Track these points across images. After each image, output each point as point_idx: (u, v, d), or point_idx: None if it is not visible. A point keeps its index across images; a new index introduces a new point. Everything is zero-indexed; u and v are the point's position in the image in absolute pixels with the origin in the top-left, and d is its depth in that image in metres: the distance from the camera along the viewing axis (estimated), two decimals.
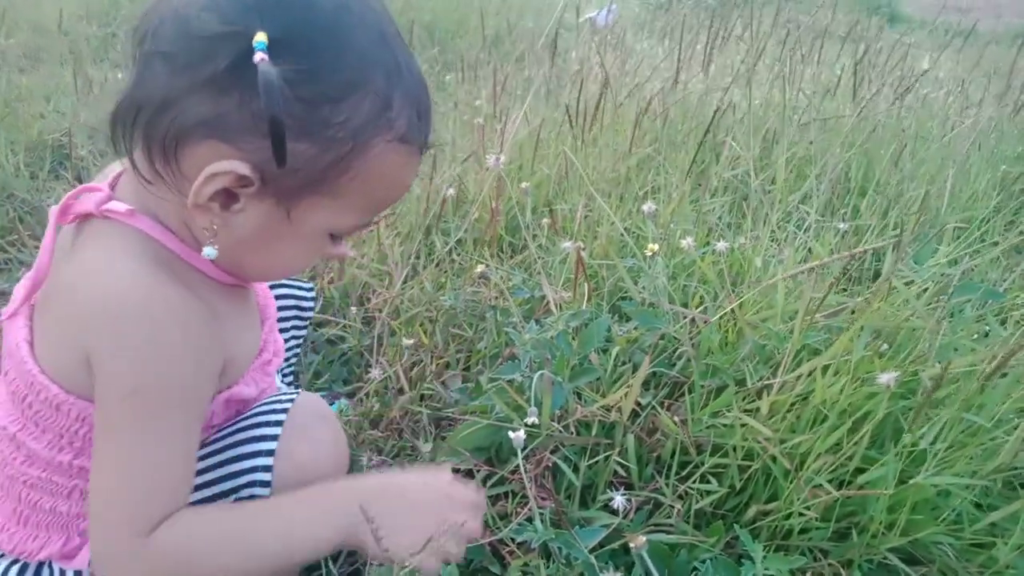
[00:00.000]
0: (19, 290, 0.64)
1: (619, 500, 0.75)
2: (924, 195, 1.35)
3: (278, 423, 0.66)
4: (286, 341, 1.00)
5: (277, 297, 0.92)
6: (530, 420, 0.87)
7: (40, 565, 0.67)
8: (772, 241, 1.26)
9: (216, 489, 0.64)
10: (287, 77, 0.49)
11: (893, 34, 5.95)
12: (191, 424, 0.59)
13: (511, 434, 0.77)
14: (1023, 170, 1.81)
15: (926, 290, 0.96)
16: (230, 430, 0.67)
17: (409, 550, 0.59)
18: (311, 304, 1.04)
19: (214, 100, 0.51)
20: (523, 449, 0.92)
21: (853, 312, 0.87)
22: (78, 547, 0.66)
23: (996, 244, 1.17)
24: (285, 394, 0.70)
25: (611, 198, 1.34)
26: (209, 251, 0.57)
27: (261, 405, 0.69)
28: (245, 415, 0.68)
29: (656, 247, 0.96)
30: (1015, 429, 0.89)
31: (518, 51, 2.20)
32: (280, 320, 0.95)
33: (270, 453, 0.64)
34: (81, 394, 0.59)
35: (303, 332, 1.06)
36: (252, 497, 0.63)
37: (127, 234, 0.58)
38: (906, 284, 0.96)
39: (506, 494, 0.95)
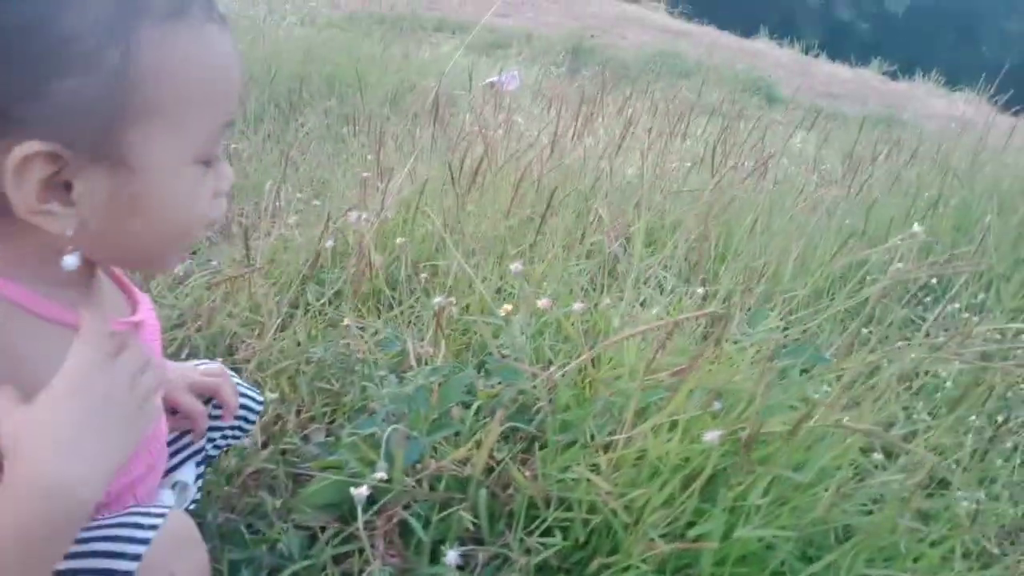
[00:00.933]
0: None
1: (451, 555, 0.76)
2: (771, 264, 1.48)
3: (137, 556, 0.55)
4: (223, 437, 0.92)
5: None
6: (378, 475, 0.88)
7: None
8: (636, 302, 1.34)
9: None
10: None
11: (772, 113, 6.53)
12: None
13: (352, 490, 0.77)
14: (865, 243, 2.01)
15: (758, 352, 1.05)
16: (85, 535, 0.57)
17: (122, 456, 0.52)
18: (259, 409, 0.95)
19: None
20: (374, 504, 0.93)
21: (683, 373, 0.94)
22: None
23: (826, 309, 1.29)
24: (154, 510, 0.60)
25: (490, 256, 1.39)
26: (70, 260, 0.52)
27: (124, 516, 0.59)
28: (107, 519, 0.59)
29: (510, 307, 1.00)
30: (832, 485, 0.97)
31: (415, 109, 2.26)
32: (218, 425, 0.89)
33: None
34: None
35: (239, 436, 0.96)
36: None
37: None
38: (741, 347, 1.05)
39: (354, 552, 0.94)
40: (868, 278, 1.92)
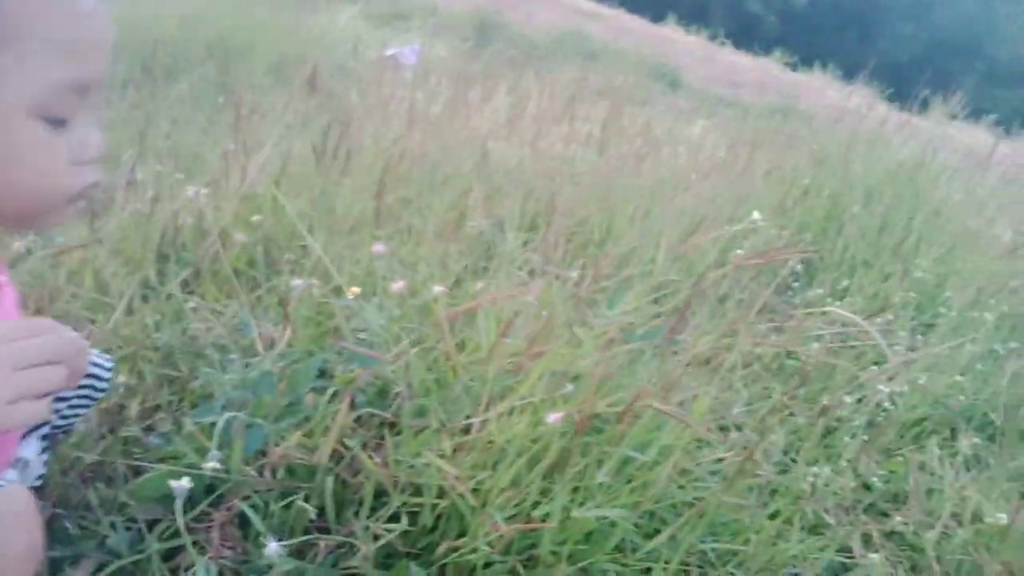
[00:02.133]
0: None
1: (273, 546, 0.75)
2: (639, 248, 1.51)
3: None
4: (70, 408, 0.87)
5: None
6: (210, 465, 0.84)
7: None
8: (508, 286, 1.35)
9: None
10: None
11: (675, 99, 6.70)
12: None
13: (172, 483, 0.73)
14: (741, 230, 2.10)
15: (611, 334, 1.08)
16: None
17: None
18: (108, 377, 0.90)
19: None
20: (213, 495, 0.89)
21: (533, 356, 0.95)
22: None
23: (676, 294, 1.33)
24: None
25: (359, 236, 1.35)
26: None
27: None
28: None
29: (358, 289, 0.98)
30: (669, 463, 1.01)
31: (299, 80, 2.17)
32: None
33: None
34: None
35: (88, 405, 0.91)
36: None
37: None
38: (595, 330, 1.07)
39: (195, 542, 0.90)
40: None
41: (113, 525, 0.90)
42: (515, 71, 3.55)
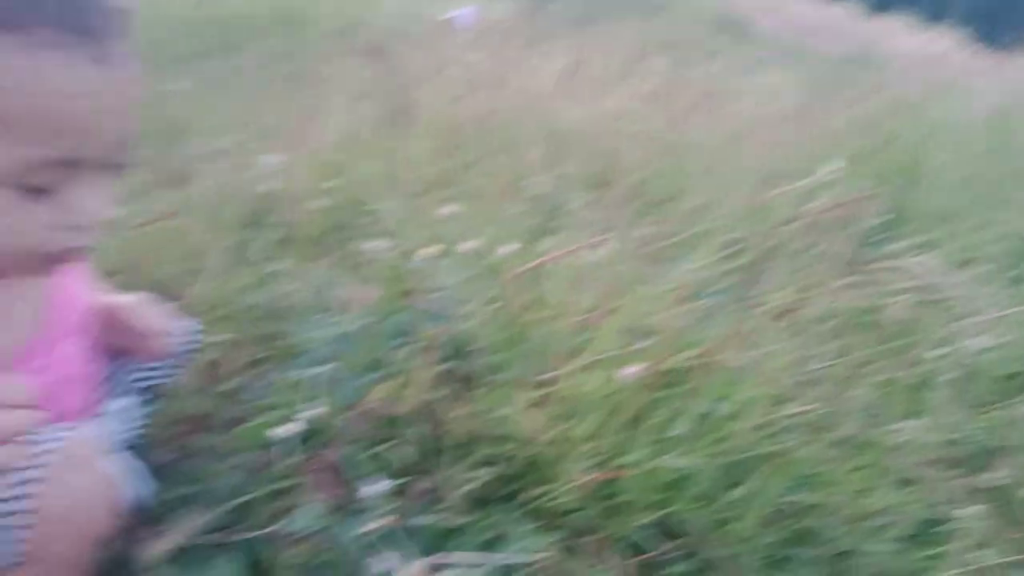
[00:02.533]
0: None
1: (383, 485, 0.79)
2: (708, 204, 1.49)
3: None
4: (164, 370, 0.93)
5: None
6: (309, 413, 0.89)
7: None
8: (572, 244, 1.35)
9: None
10: None
11: (743, 50, 6.44)
12: None
13: (279, 429, 0.78)
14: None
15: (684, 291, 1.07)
16: None
17: None
18: (196, 341, 0.96)
19: None
20: (305, 442, 0.95)
21: (609, 312, 0.95)
22: None
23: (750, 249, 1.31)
24: (54, 433, 0.63)
25: (426, 199, 1.38)
26: None
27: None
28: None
29: (433, 250, 1.01)
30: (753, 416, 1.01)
31: (361, 46, 2.20)
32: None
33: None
34: None
35: (183, 365, 0.97)
36: None
37: None
38: (667, 287, 1.07)
39: (293, 487, 0.96)
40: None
41: (221, 469, 0.97)
42: (576, 28, 3.49)
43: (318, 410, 0.90)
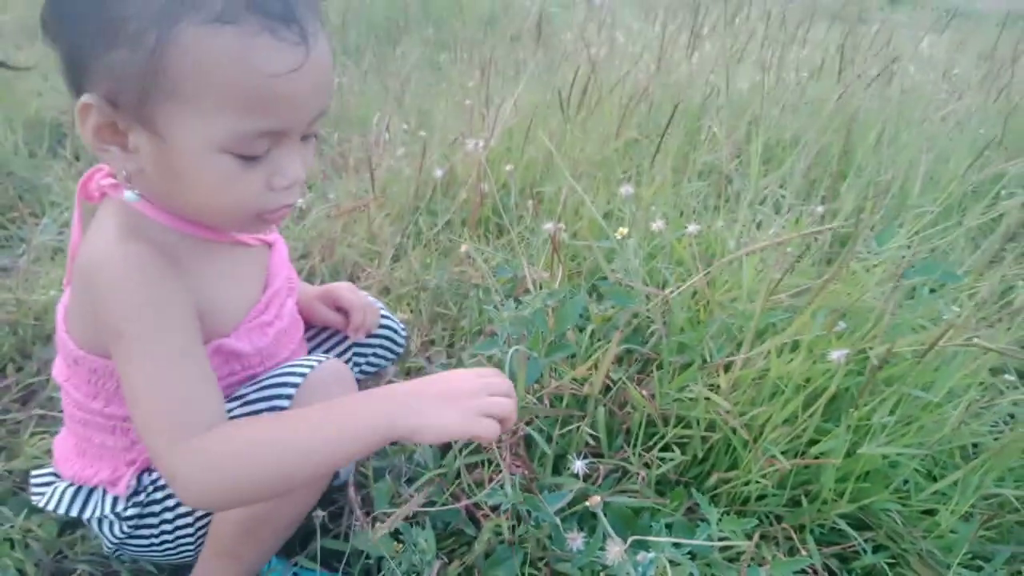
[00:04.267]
0: (71, 262, 0.71)
1: (579, 465, 0.81)
2: (899, 179, 1.38)
3: (294, 384, 0.69)
4: (369, 362, 1.04)
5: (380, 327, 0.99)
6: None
7: (92, 490, 0.76)
8: (749, 223, 1.31)
9: None
10: None
11: (897, 15, 5.92)
12: (186, 348, 0.62)
13: None
14: (1002, 154, 1.85)
15: (885, 270, 1.01)
16: (244, 390, 0.71)
17: (448, 430, 0.61)
18: (403, 342, 1.06)
19: (69, 45, 0.57)
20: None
21: (808, 293, 0.92)
22: (121, 476, 0.75)
23: (960, 225, 1.21)
24: (308, 359, 0.72)
25: (596, 180, 1.38)
26: (129, 195, 0.63)
27: (283, 367, 0.72)
28: (264, 376, 0.72)
29: (626, 230, 1.00)
30: (962, 404, 0.94)
31: (513, 30, 2.22)
32: (365, 346, 1.01)
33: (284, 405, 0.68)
34: (91, 349, 0.67)
35: (388, 358, 1.07)
36: None
37: (110, 204, 0.66)
38: (868, 266, 1.01)
39: (482, 462, 1.01)
40: (1003, 192, 1.77)
41: (406, 447, 1.03)
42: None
43: None
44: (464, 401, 0.63)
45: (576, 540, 0.78)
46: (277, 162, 0.61)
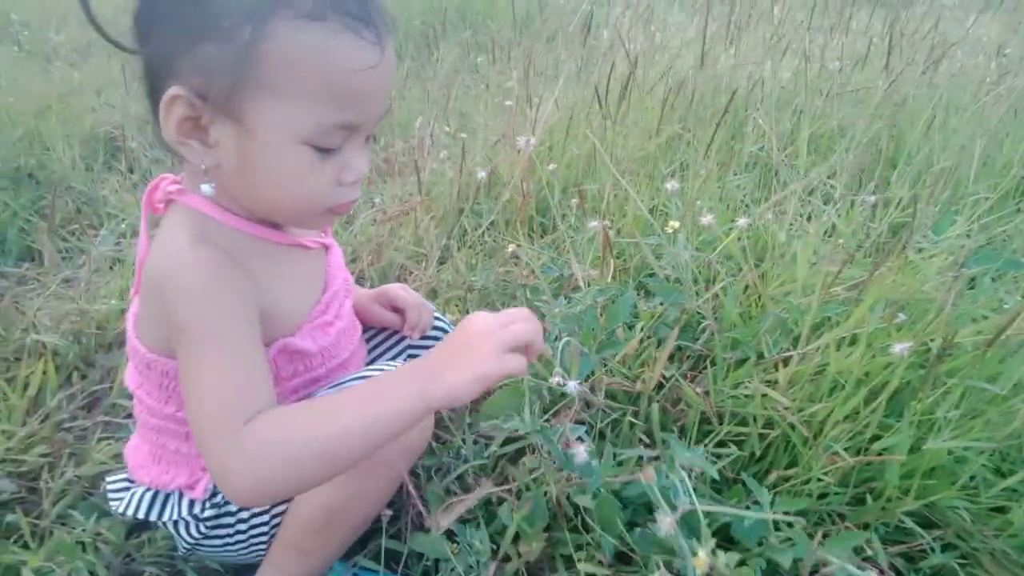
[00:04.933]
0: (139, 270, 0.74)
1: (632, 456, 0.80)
2: (953, 166, 1.34)
3: None
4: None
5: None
6: (555, 380, 0.92)
7: (168, 494, 0.79)
8: (799, 216, 1.29)
9: None
10: None
11: None
12: (245, 348, 0.63)
13: (556, 379, 0.79)
14: None
15: (947, 259, 0.99)
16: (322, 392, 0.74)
17: (476, 381, 0.61)
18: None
19: (158, 44, 0.59)
20: (548, 411, 0.98)
21: (864, 285, 0.90)
22: (198, 480, 0.77)
23: (1020, 212, 1.17)
24: (379, 367, 0.74)
25: (639, 177, 1.37)
26: (206, 188, 0.65)
27: (356, 375, 0.74)
28: (337, 382, 0.74)
29: (677, 225, 0.99)
30: None
31: (549, 31, 2.22)
32: (419, 348, 1.02)
33: None
34: (162, 352, 0.70)
35: None
36: None
37: (178, 211, 0.68)
38: (926, 256, 0.99)
39: (532, 448, 1.01)
40: None
41: (464, 439, 1.04)
42: None
43: (558, 378, 0.93)
44: (483, 344, 0.62)
45: None
46: (346, 158, 0.64)
